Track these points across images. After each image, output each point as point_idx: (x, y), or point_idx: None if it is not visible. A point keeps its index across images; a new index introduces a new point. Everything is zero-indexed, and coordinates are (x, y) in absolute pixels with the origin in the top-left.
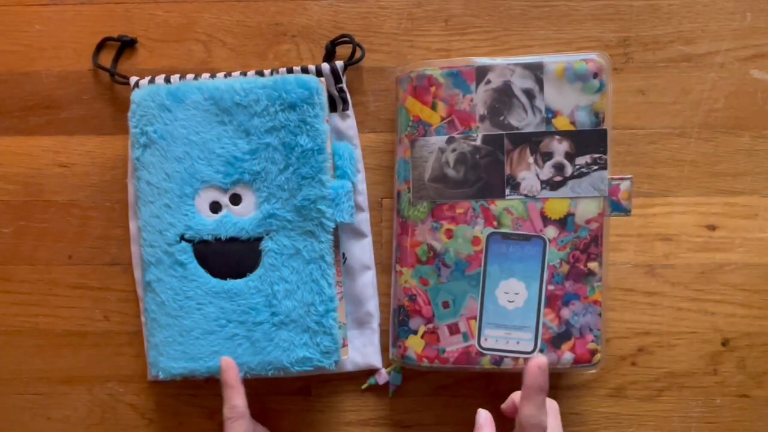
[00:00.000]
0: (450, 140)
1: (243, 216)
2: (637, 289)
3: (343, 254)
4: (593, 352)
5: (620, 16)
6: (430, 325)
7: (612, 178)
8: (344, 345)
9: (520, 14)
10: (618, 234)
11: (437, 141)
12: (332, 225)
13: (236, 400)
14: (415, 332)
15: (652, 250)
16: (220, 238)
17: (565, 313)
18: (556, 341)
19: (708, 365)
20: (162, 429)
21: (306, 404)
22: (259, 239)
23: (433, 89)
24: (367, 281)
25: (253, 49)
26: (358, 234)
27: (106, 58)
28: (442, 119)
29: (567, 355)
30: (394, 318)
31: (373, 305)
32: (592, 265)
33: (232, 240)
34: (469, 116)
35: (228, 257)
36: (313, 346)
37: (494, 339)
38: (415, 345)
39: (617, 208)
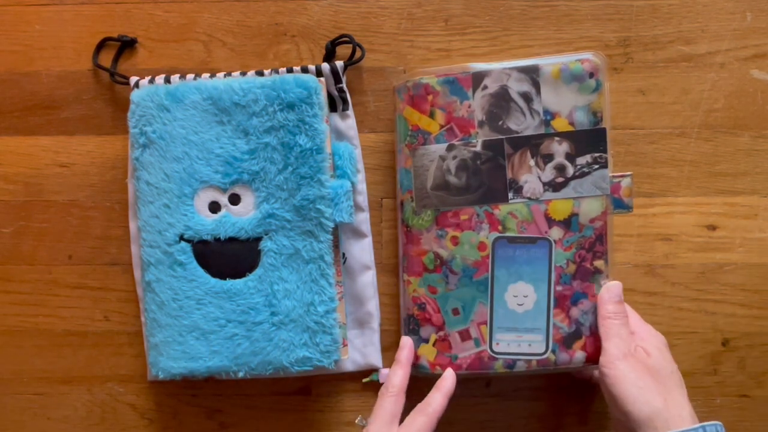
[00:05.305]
0: (450, 147)
1: (242, 216)
2: (637, 289)
3: (343, 254)
4: None
5: (620, 16)
6: (441, 333)
7: (613, 176)
8: (344, 345)
9: (520, 14)
10: (618, 234)
11: (437, 149)
12: (331, 225)
13: (395, 378)
14: (427, 340)
15: (652, 250)
16: (219, 238)
17: (575, 312)
18: (567, 341)
19: (708, 365)
20: (162, 429)
21: (306, 404)
22: (258, 239)
23: (430, 98)
24: (367, 281)
25: (253, 49)
26: (358, 234)
27: (106, 58)
28: (441, 127)
29: (579, 354)
30: (404, 327)
31: (373, 305)
32: (598, 263)
33: (232, 240)
34: (467, 123)
35: (227, 257)
36: (312, 346)
37: (506, 343)
38: (427, 353)
39: (619, 205)
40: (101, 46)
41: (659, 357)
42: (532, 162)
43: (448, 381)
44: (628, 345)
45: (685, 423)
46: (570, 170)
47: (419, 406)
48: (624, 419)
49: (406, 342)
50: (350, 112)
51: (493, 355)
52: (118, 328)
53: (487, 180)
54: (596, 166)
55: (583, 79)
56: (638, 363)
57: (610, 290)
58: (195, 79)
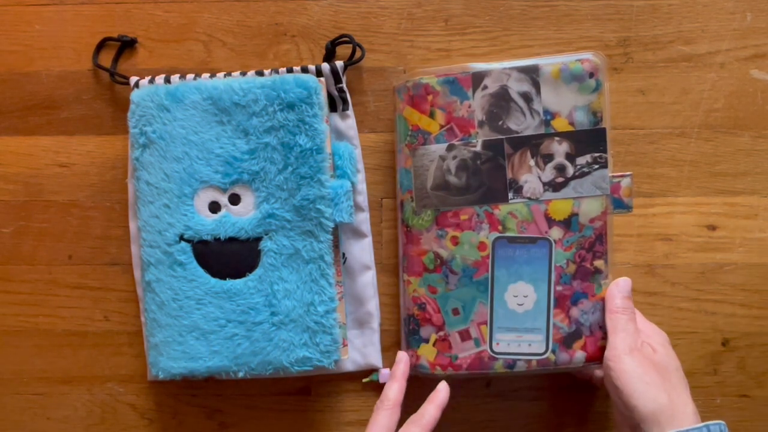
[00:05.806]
0: (450, 147)
1: (242, 216)
2: (637, 289)
3: (343, 254)
4: (604, 349)
5: (620, 16)
6: (441, 333)
7: (613, 176)
8: (344, 345)
9: (520, 14)
10: (618, 234)
11: (437, 149)
12: (331, 225)
13: (390, 392)
14: (427, 340)
15: (652, 250)
16: (219, 238)
17: (575, 312)
18: (567, 341)
19: (708, 365)
20: (161, 429)
21: (306, 404)
22: (258, 239)
23: (430, 98)
24: (367, 281)
25: (253, 49)
26: (358, 234)
27: (106, 58)
28: (441, 127)
29: (579, 354)
30: (404, 327)
31: (373, 305)
32: (598, 263)
33: (232, 240)
34: (467, 122)
35: (227, 257)
36: (312, 346)
37: (506, 343)
38: (427, 353)
39: (619, 205)
40: (101, 46)
41: (665, 354)
42: (532, 162)
43: (441, 393)
44: (635, 340)
45: (689, 420)
46: (570, 170)
47: (413, 417)
48: (628, 414)
49: (402, 356)
50: (350, 112)
51: (493, 355)
52: (118, 328)
53: (487, 180)
54: (596, 166)
55: (583, 79)
56: (644, 359)
57: (619, 285)
58: (195, 79)
